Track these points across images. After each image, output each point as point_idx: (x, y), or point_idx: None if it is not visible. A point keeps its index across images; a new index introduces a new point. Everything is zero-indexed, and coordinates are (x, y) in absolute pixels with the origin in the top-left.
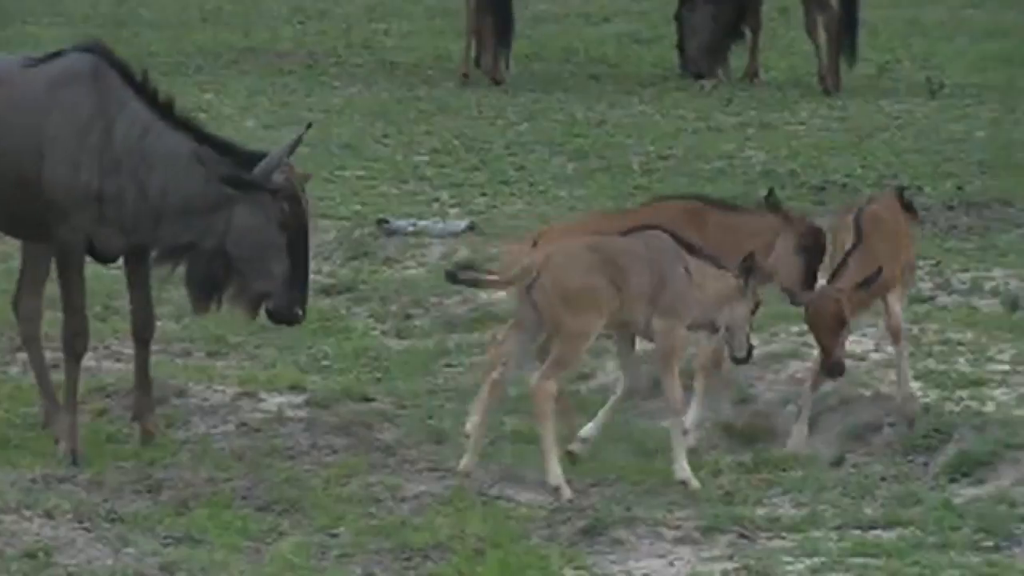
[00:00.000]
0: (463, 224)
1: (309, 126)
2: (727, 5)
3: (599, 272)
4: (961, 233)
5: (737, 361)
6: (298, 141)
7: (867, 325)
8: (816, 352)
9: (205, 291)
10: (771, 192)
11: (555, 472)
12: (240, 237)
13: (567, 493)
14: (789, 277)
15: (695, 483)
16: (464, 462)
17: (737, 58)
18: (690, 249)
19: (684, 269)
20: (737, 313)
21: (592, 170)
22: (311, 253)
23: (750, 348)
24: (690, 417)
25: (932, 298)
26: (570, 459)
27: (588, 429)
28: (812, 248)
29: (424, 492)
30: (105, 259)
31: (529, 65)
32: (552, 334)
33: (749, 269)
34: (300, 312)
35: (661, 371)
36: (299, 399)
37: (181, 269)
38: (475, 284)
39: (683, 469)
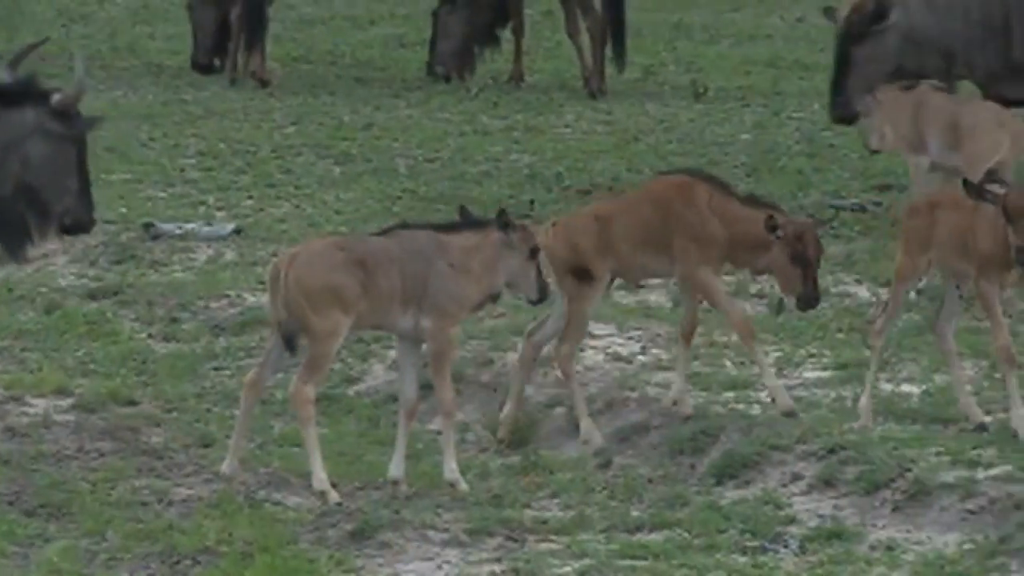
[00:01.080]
0: (229, 227)
1: (46, 39)
2: (485, 7)
3: (344, 271)
4: None
5: (533, 303)
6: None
7: (633, 328)
8: None
9: (19, 236)
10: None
11: (320, 476)
12: (39, 168)
13: (334, 496)
14: (792, 287)
15: (463, 485)
16: (225, 465)
17: (503, 61)
18: (451, 228)
19: (448, 265)
20: (513, 266)
21: (359, 173)
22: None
23: (543, 287)
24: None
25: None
26: None
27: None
28: (805, 252)
29: (192, 496)
30: None
31: (296, 68)
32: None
33: (506, 223)
34: (93, 218)
35: (433, 372)
36: (66, 403)
37: None
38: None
39: (452, 471)
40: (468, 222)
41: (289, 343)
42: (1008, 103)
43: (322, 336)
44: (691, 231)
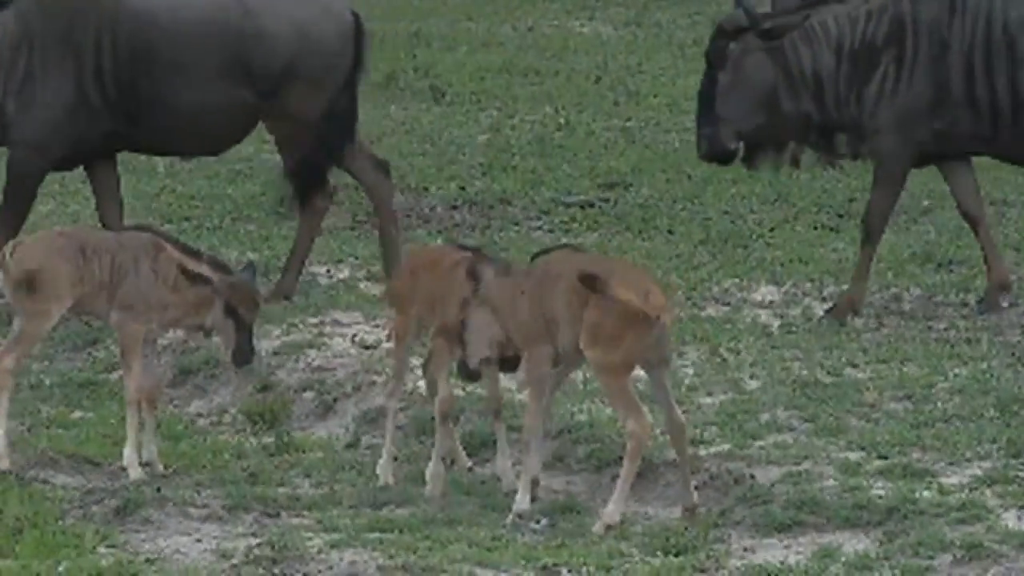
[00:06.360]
0: None
1: None
2: None
3: (62, 257)
4: (465, 231)
5: (240, 364)
6: None
7: (379, 316)
8: None
9: None
10: None
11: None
12: None
13: (5, 464)
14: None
15: (136, 473)
16: None
17: None
18: (188, 253)
19: (152, 269)
20: (217, 315)
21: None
22: None
23: (239, 353)
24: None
25: None
26: None
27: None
28: None
29: None
30: None
31: None
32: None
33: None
34: None
35: (123, 362)
36: None
37: None
38: None
39: (129, 456)
40: (218, 263)
41: None
42: None
43: (34, 316)
44: None
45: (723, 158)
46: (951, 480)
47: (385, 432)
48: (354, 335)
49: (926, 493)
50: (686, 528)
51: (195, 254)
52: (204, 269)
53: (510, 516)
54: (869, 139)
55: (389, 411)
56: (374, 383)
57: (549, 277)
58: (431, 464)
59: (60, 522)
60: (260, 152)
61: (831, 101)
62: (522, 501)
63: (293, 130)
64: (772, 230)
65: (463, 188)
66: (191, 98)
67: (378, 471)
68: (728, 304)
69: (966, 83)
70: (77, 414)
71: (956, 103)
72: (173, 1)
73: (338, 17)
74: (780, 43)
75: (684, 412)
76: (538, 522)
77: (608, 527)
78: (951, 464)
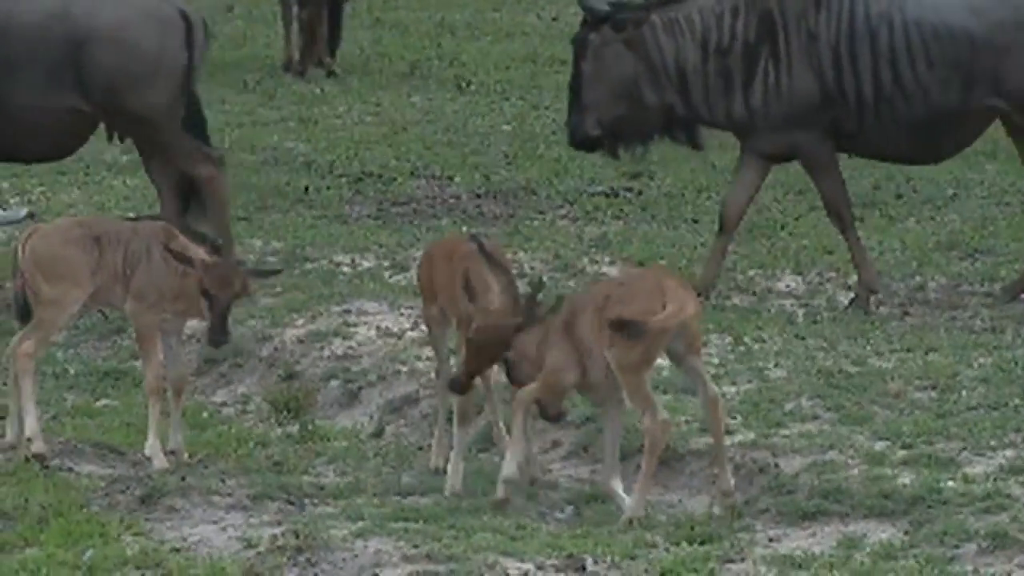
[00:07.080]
0: (23, 212)
1: None
2: None
3: (78, 246)
4: (489, 220)
5: (215, 344)
6: None
7: (403, 306)
8: None
9: None
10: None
11: (33, 425)
12: None
13: (40, 446)
14: None
15: (161, 463)
16: (10, 435)
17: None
18: (196, 240)
19: (163, 258)
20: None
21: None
22: None
23: (214, 331)
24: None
25: None
26: None
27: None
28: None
29: None
30: None
31: None
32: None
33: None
34: None
35: (140, 352)
36: None
37: None
38: None
39: (153, 447)
40: (214, 246)
41: (21, 312)
42: None
43: (50, 304)
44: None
45: (587, 146)
46: (976, 469)
47: (437, 432)
48: (379, 324)
49: (951, 483)
50: (711, 517)
51: (201, 240)
52: (197, 252)
53: (499, 484)
54: (774, 137)
55: (440, 412)
56: (399, 372)
57: (576, 311)
58: (451, 461)
59: (85, 511)
60: (284, 142)
61: (699, 95)
62: (509, 467)
63: (148, 130)
64: (797, 219)
65: (487, 177)
66: (22, 100)
67: (447, 480)
68: (753, 293)
69: (835, 76)
70: (102, 403)
71: (829, 96)
72: (7, 4)
73: (161, 17)
74: (640, 35)
75: None
76: (563, 511)
77: (631, 520)
78: (976, 453)
